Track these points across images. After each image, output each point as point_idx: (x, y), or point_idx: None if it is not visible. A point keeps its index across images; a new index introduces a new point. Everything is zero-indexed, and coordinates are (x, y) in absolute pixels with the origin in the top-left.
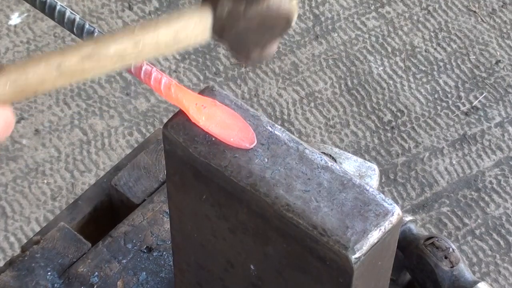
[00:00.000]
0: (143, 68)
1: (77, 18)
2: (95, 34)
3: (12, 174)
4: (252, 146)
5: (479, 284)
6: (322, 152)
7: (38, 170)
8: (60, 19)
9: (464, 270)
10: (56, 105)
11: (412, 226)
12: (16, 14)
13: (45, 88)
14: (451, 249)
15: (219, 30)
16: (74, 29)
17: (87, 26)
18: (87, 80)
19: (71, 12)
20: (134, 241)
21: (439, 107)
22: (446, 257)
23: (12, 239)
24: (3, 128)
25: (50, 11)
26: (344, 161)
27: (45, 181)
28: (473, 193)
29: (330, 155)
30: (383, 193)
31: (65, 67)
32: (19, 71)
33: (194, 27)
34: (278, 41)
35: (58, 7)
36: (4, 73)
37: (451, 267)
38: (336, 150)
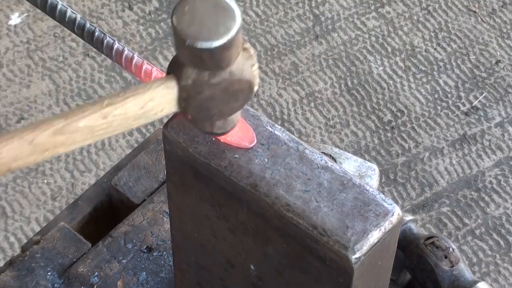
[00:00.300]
0: (143, 67)
1: (78, 17)
2: (96, 33)
3: (12, 174)
4: (252, 145)
5: (478, 284)
6: (322, 152)
7: (38, 170)
8: (61, 18)
9: (464, 270)
10: (56, 105)
11: (413, 225)
12: (16, 14)
13: (19, 164)
14: (451, 249)
15: (185, 100)
16: (75, 28)
17: (88, 25)
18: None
19: (72, 12)
20: (134, 241)
21: (439, 107)
22: (446, 257)
23: (12, 239)
24: None
25: (51, 10)
26: (344, 161)
27: (45, 181)
28: (473, 193)
29: (330, 155)
30: (383, 193)
31: (38, 142)
32: None
33: (161, 98)
34: (241, 109)
35: (59, 7)
36: None
37: (451, 267)
38: (336, 150)
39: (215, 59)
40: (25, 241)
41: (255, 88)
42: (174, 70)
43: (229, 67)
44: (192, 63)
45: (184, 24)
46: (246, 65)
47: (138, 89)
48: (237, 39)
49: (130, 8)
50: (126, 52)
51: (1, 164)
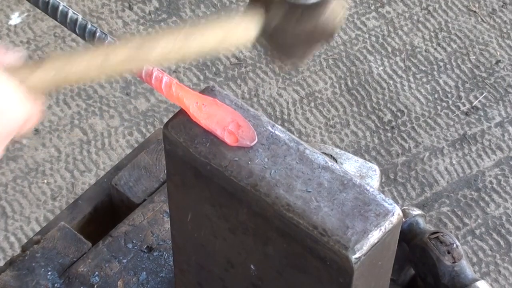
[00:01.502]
0: (144, 68)
1: (80, 18)
2: (97, 34)
3: (12, 174)
4: (253, 143)
5: (478, 283)
6: (323, 153)
7: (38, 170)
8: (63, 19)
9: (466, 267)
10: (56, 105)
11: (420, 220)
12: (16, 14)
13: (87, 78)
14: (455, 245)
15: (269, 34)
16: (77, 29)
17: (89, 26)
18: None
19: (73, 12)
20: (134, 241)
21: (439, 107)
22: (449, 252)
23: (12, 239)
24: (35, 118)
25: (52, 11)
26: (345, 162)
27: (45, 181)
28: (473, 193)
29: (331, 156)
30: (383, 193)
31: (110, 62)
32: (65, 60)
33: (246, 25)
34: (318, 49)
35: (60, 8)
36: (51, 62)
37: (453, 263)
38: (337, 150)
39: (307, 12)
40: (25, 241)
41: (334, 35)
42: (262, 3)
43: (321, 17)
44: (283, 8)
45: None
46: (332, 16)
47: (223, 18)
48: None
49: (130, 8)
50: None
51: (71, 75)
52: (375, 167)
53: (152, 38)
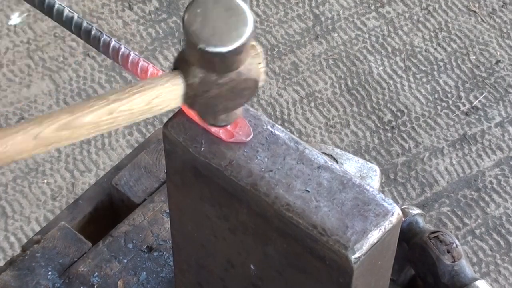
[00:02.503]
0: (140, 64)
1: (75, 16)
2: (93, 32)
3: (12, 174)
4: (248, 139)
5: (477, 282)
6: (323, 153)
7: (38, 170)
8: (59, 18)
9: (466, 266)
10: (56, 105)
11: (420, 219)
12: (16, 14)
13: (23, 156)
14: (454, 244)
15: (191, 97)
16: (72, 27)
17: (84, 24)
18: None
19: (69, 11)
20: (134, 241)
21: (439, 107)
22: (448, 251)
23: (12, 239)
24: None
25: (48, 10)
26: (345, 162)
27: (45, 181)
28: (473, 193)
29: (332, 156)
30: (383, 193)
31: (43, 136)
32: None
33: (167, 94)
34: (245, 103)
35: (56, 6)
36: None
37: (453, 262)
38: (338, 150)
39: (225, 63)
40: (25, 241)
41: (261, 84)
42: (181, 67)
43: (238, 68)
44: (201, 64)
45: (196, 26)
46: (253, 64)
47: (144, 85)
48: (248, 44)
49: (130, 8)
50: (122, 49)
51: (6, 156)
52: (376, 167)
53: (80, 109)
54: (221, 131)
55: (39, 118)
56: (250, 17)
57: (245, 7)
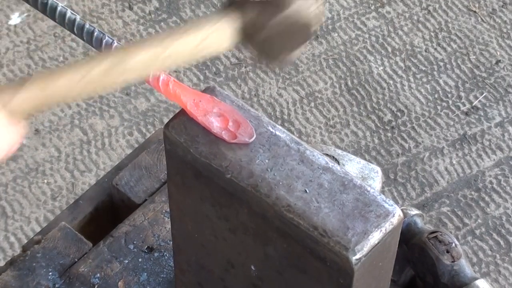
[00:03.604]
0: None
1: (78, 18)
2: (95, 34)
3: (12, 174)
4: (251, 140)
5: (477, 282)
6: (325, 154)
7: (38, 170)
8: (61, 20)
9: (465, 266)
10: (55, 105)
11: (418, 220)
12: (16, 14)
13: (72, 96)
14: (453, 244)
15: (248, 35)
16: (75, 29)
17: (87, 26)
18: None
19: (71, 13)
20: (135, 241)
21: (439, 107)
22: (448, 251)
23: (12, 239)
24: (15, 143)
25: (51, 12)
26: (347, 163)
27: (45, 181)
28: (473, 193)
29: (333, 157)
30: (383, 193)
31: (91, 77)
32: (46, 79)
33: (223, 31)
34: (303, 47)
35: (59, 8)
36: (32, 82)
37: (452, 262)
38: (339, 151)
39: (279, 1)
40: (25, 241)
41: (313, 29)
42: (236, 4)
43: (291, 8)
44: (256, 3)
45: None
46: (306, 6)
47: (200, 23)
48: None
49: (130, 8)
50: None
51: (55, 96)
52: (377, 168)
53: (132, 48)
54: (224, 132)
55: (92, 60)
56: None
57: None
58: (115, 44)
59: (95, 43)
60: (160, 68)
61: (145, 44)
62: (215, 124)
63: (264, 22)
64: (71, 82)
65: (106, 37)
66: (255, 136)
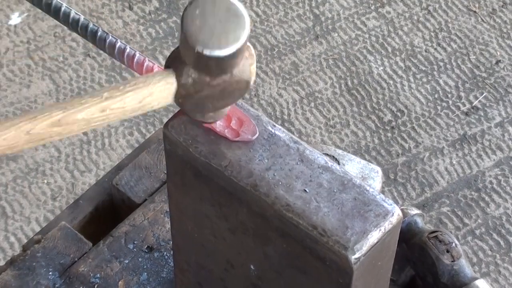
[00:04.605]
0: (145, 65)
1: (82, 18)
2: (99, 33)
3: (12, 174)
4: (254, 137)
5: (477, 282)
6: (325, 154)
7: (38, 170)
8: (65, 19)
9: (465, 265)
10: None
11: (419, 219)
12: (16, 14)
13: (14, 151)
14: (453, 244)
15: (182, 97)
16: (79, 29)
17: (90, 25)
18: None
19: (75, 13)
20: (135, 241)
21: (439, 107)
22: (448, 251)
23: (12, 239)
24: None
25: (55, 13)
26: (347, 163)
27: (45, 181)
28: (473, 193)
29: (333, 157)
30: (383, 193)
31: (34, 132)
32: None
33: (159, 93)
34: (235, 102)
35: (63, 8)
36: None
37: (452, 261)
38: (340, 151)
39: (221, 66)
40: (25, 241)
41: (251, 85)
42: (174, 66)
43: (232, 71)
44: (195, 65)
45: (194, 28)
46: (246, 66)
47: (137, 84)
48: (244, 47)
49: (130, 8)
50: (128, 50)
51: None
52: (378, 168)
53: (75, 105)
54: (227, 131)
55: (32, 114)
56: (247, 20)
57: (243, 9)
58: (119, 43)
59: (98, 43)
60: (102, 124)
61: (87, 102)
62: (218, 122)
63: (202, 85)
64: (17, 136)
65: (110, 37)
66: (258, 133)
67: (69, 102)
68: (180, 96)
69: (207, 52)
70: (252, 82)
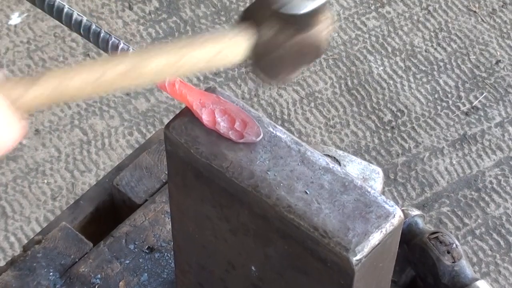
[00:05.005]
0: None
1: (84, 19)
2: (102, 34)
3: (12, 174)
4: (258, 139)
5: (477, 282)
6: (326, 155)
7: (38, 170)
8: (67, 21)
9: (466, 266)
10: (56, 105)
11: (419, 220)
12: (16, 14)
13: (82, 96)
14: (454, 245)
15: (259, 53)
16: (81, 30)
17: (93, 27)
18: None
19: (78, 14)
20: (135, 241)
21: (439, 107)
22: (448, 252)
23: (12, 239)
24: (17, 138)
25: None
26: (348, 164)
27: (45, 181)
28: (473, 193)
29: (334, 158)
30: (384, 194)
31: (105, 79)
32: (61, 77)
33: (237, 46)
34: (305, 66)
35: (65, 10)
36: (46, 79)
37: (453, 262)
38: (340, 152)
39: (299, 24)
40: (25, 241)
41: (323, 51)
42: (254, 19)
43: (308, 31)
44: (275, 22)
45: None
46: (322, 29)
47: (217, 35)
48: (323, 7)
49: (130, 8)
50: (131, 51)
51: (67, 93)
52: (379, 169)
53: (148, 53)
54: (231, 132)
55: (108, 60)
56: None
57: None
58: (122, 45)
59: (101, 44)
60: (174, 75)
61: (162, 51)
62: (222, 124)
63: (279, 44)
64: (86, 82)
65: (113, 38)
66: (262, 135)
67: (144, 50)
68: (256, 53)
69: (285, 10)
70: (324, 49)
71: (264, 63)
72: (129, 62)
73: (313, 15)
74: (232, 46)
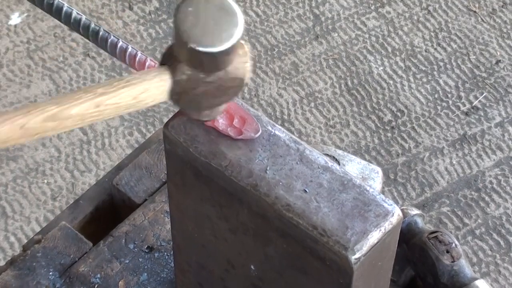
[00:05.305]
0: (147, 64)
1: (83, 18)
2: (100, 33)
3: (12, 174)
4: (257, 135)
5: (477, 282)
6: (325, 154)
7: (38, 170)
8: (67, 20)
9: (465, 266)
10: None
11: (419, 220)
12: (16, 14)
13: (7, 145)
14: (453, 244)
15: (177, 94)
16: (80, 29)
17: (92, 25)
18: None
19: (77, 13)
20: (135, 241)
21: (439, 107)
22: (448, 251)
23: (12, 239)
24: None
25: (56, 13)
26: (347, 163)
27: (45, 181)
28: (473, 193)
29: (334, 157)
30: (383, 193)
31: (29, 127)
32: None
33: (154, 90)
34: (231, 100)
35: (64, 8)
36: None
37: (452, 262)
38: (340, 152)
39: (214, 63)
40: (25, 241)
41: (246, 82)
42: (169, 62)
43: (226, 67)
44: (189, 62)
45: (187, 25)
46: (241, 63)
47: (132, 80)
48: (238, 44)
49: (130, 8)
50: (129, 49)
51: None
52: (378, 169)
53: (68, 98)
54: (229, 129)
55: (26, 109)
56: (240, 18)
57: (236, 8)
58: (120, 43)
59: (100, 42)
60: (98, 119)
61: (84, 95)
62: (220, 121)
63: (197, 81)
64: (11, 130)
65: (112, 37)
66: (260, 131)
67: (63, 97)
68: (174, 93)
69: (200, 48)
70: (247, 80)
71: (185, 101)
72: (50, 109)
73: (230, 51)
74: (151, 88)
